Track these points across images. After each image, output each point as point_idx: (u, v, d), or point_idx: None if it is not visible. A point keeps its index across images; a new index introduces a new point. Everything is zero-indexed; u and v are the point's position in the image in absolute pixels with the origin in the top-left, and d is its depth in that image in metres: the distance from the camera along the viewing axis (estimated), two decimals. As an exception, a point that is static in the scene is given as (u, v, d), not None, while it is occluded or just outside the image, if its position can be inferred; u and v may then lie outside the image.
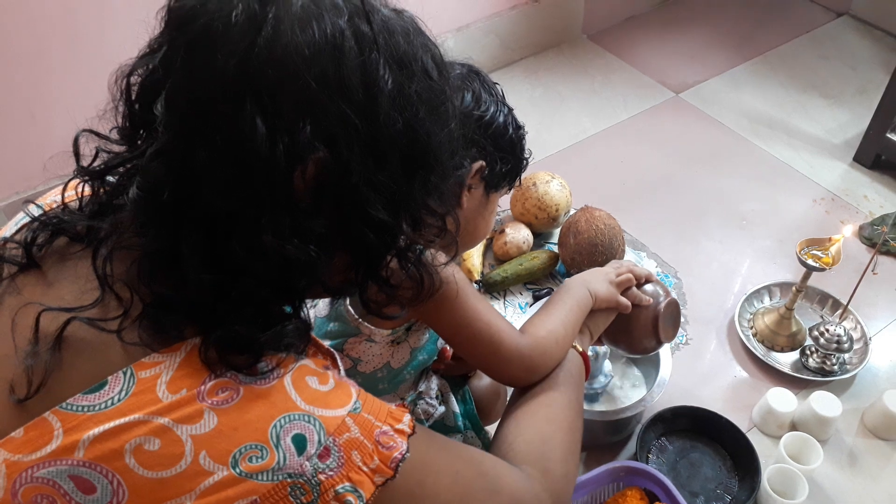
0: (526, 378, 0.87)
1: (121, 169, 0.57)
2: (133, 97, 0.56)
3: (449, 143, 0.60)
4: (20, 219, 0.64)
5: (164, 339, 0.53)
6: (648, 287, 1.02)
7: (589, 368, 0.94)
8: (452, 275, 0.78)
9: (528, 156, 0.94)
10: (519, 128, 0.91)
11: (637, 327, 1.00)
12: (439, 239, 0.64)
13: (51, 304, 0.54)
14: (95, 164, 0.59)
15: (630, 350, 1.05)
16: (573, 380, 0.89)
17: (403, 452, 0.58)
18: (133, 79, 0.55)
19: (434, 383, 1.01)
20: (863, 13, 2.27)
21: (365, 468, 0.56)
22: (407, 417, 0.61)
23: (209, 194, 0.51)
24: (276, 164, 0.50)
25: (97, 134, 0.59)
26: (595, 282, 0.98)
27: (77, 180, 0.60)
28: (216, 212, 0.52)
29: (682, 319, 1.49)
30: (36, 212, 0.61)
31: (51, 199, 0.65)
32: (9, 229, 0.64)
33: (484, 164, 0.85)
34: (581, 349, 0.93)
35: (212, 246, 0.53)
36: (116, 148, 0.58)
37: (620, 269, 1.02)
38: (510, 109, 0.90)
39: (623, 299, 0.98)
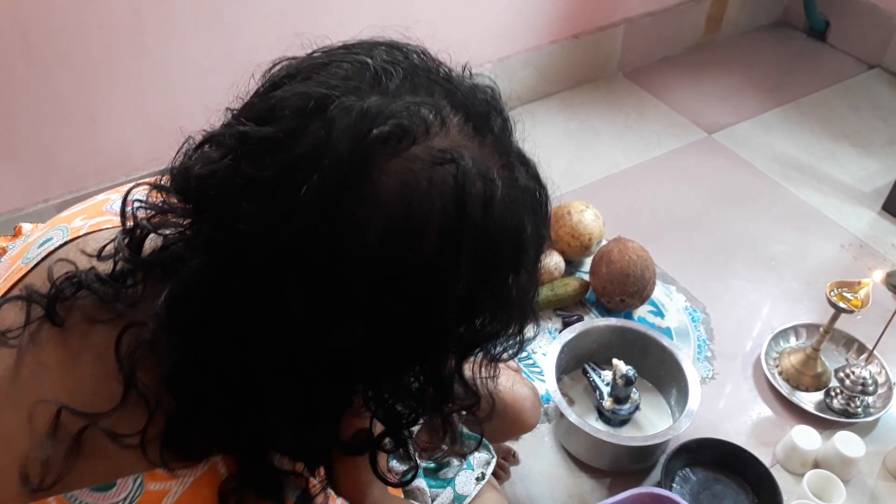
0: None
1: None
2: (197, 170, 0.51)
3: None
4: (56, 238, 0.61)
5: (186, 457, 0.52)
6: None
7: None
8: None
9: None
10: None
11: None
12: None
13: (72, 388, 0.52)
14: (138, 216, 0.55)
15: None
16: None
17: None
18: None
19: None
20: (895, 67, 2.31)
21: None
22: None
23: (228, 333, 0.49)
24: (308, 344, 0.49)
25: (152, 185, 0.55)
26: None
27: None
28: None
29: (710, 354, 1.52)
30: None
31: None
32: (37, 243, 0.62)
33: None
34: None
35: (237, 373, 0.50)
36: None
37: None
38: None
39: None
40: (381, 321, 0.49)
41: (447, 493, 1.00)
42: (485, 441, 1.09)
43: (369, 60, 0.52)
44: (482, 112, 0.53)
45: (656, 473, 1.30)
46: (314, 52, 0.56)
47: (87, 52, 1.46)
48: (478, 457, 1.06)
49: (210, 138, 0.52)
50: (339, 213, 0.46)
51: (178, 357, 0.50)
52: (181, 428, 0.50)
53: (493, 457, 1.07)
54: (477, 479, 1.03)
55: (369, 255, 0.47)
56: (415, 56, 0.55)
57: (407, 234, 0.47)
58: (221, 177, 0.49)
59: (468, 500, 1.00)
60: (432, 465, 1.02)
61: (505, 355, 0.60)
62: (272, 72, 0.54)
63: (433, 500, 0.98)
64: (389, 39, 0.57)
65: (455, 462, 1.04)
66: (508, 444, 1.31)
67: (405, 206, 0.47)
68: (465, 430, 1.06)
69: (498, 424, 1.11)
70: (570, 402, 1.38)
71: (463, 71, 0.58)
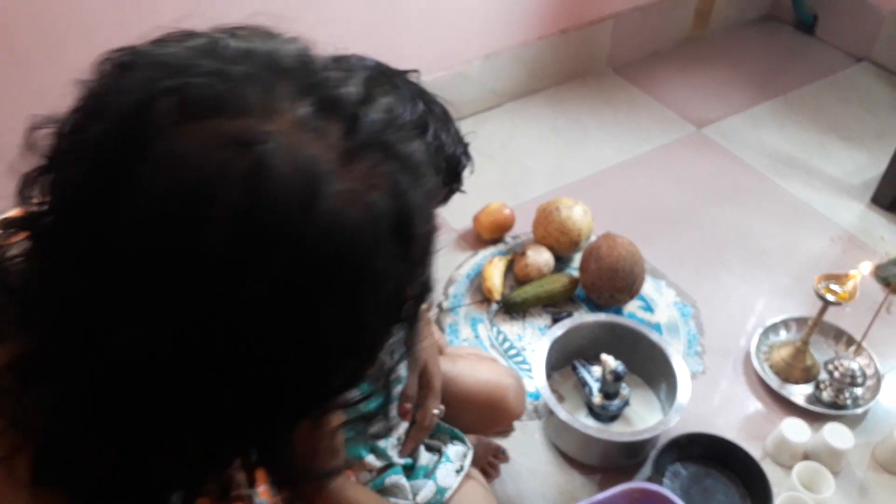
0: None
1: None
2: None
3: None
4: None
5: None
6: None
7: None
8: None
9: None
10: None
11: None
12: None
13: None
14: None
15: None
16: None
17: None
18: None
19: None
20: (882, 60, 2.31)
21: None
22: None
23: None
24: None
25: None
26: None
27: None
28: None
29: (700, 349, 1.52)
30: None
31: None
32: None
33: None
34: None
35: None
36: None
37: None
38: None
39: None
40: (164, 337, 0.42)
41: (429, 487, 1.00)
42: (459, 433, 1.10)
43: (218, 36, 0.46)
44: (346, 105, 0.45)
45: (647, 469, 1.30)
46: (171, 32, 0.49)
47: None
48: (455, 449, 1.06)
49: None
50: (117, 167, 0.41)
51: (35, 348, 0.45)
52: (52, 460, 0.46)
53: (469, 448, 1.08)
54: (457, 471, 1.03)
55: (143, 227, 0.40)
56: (283, 43, 0.47)
57: (183, 214, 0.40)
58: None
59: (450, 492, 1.01)
60: (410, 462, 1.02)
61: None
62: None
63: (415, 496, 0.98)
64: (267, 29, 0.49)
65: (433, 457, 1.04)
66: (497, 441, 1.31)
67: (184, 177, 0.40)
68: (443, 424, 1.07)
69: (482, 414, 1.12)
70: (560, 398, 1.38)
71: (405, 73, 0.52)
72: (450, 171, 0.94)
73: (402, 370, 0.97)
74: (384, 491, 0.98)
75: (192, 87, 0.42)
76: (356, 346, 0.47)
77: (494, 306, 1.58)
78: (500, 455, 1.29)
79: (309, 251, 0.41)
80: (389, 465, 0.99)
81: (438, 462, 1.03)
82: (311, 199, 0.41)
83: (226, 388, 0.43)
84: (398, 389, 0.99)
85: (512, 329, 1.55)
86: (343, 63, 0.48)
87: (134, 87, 0.42)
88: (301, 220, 0.41)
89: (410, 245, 0.46)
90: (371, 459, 0.97)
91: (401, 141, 0.46)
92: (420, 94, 0.90)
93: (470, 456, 1.06)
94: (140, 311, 0.41)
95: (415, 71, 0.93)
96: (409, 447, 1.01)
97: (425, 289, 0.51)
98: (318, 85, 0.45)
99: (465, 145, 0.96)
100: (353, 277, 0.43)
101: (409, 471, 1.02)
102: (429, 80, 2.22)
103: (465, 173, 0.98)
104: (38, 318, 0.45)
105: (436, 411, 1.02)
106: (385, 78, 0.87)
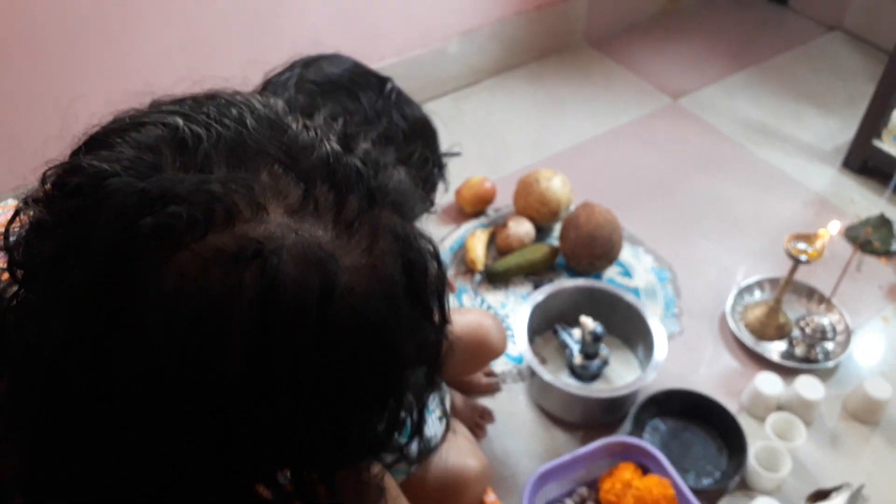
0: None
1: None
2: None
3: None
4: None
5: None
6: None
7: None
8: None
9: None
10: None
11: None
12: None
13: None
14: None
15: None
16: None
17: None
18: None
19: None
20: (853, 28, 2.36)
21: None
22: None
23: None
24: None
25: None
26: None
27: None
28: None
29: (678, 311, 1.57)
30: None
31: None
32: None
33: None
34: None
35: None
36: None
37: None
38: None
39: None
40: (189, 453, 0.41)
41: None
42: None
43: (181, 122, 0.43)
44: (341, 184, 0.43)
45: (628, 426, 1.34)
46: (130, 112, 0.46)
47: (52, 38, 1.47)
48: (432, 398, 1.11)
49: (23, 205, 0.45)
50: (109, 313, 0.39)
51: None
52: None
53: (445, 393, 1.13)
54: (439, 418, 1.08)
55: (158, 365, 0.39)
56: (251, 116, 0.44)
57: (196, 345, 0.38)
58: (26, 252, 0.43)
59: (436, 440, 1.05)
60: None
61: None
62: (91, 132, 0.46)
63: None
64: (233, 93, 0.47)
65: None
66: (483, 403, 1.36)
67: (188, 311, 0.38)
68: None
69: (467, 355, 1.18)
70: (543, 361, 1.43)
71: (344, 121, 0.48)
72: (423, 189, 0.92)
73: None
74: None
75: (174, 214, 0.39)
76: (386, 401, 0.47)
77: (478, 276, 1.62)
78: (487, 416, 1.34)
79: (335, 343, 0.41)
80: None
81: None
82: (327, 290, 0.40)
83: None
84: None
85: (496, 298, 1.59)
86: (315, 102, 0.48)
87: (108, 222, 0.39)
88: (321, 315, 0.40)
89: (424, 293, 0.47)
90: None
91: (386, 182, 0.46)
92: (400, 106, 0.88)
93: (448, 400, 1.11)
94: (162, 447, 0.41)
95: (388, 79, 0.93)
96: None
97: (443, 328, 0.50)
98: (296, 159, 0.43)
99: (443, 165, 0.95)
100: (380, 346, 0.43)
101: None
102: (407, 58, 2.25)
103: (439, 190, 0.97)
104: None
105: None
106: (355, 104, 0.85)
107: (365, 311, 0.42)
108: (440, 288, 0.49)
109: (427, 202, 0.96)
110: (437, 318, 0.49)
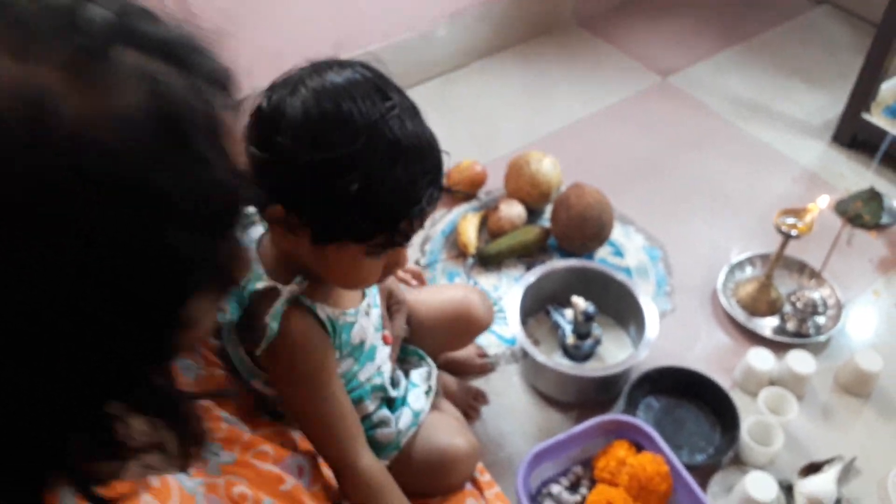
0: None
1: None
2: None
3: None
4: None
5: None
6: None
7: None
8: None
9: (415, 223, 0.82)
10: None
11: None
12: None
13: None
14: None
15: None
16: None
17: None
18: None
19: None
20: (841, 1, 2.35)
21: None
22: None
23: None
24: None
25: None
26: None
27: None
28: None
29: (669, 290, 1.57)
30: None
31: None
32: None
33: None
34: None
35: None
36: None
37: None
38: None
39: None
40: None
41: (406, 414, 1.05)
42: (422, 353, 1.16)
43: None
44: (75, 27, 0.40)
45: (622, 404, 1.35)
46: None
47: None
48: (418, 373, 1.12)
49: None
50: None
51: None
52: None
53: (432, 367, 1.14)
54: (426, 392, 1.09)
55: None
56: None
57: None
58: None
59: (423, 414, 1.06)
60: (392, 392, 1.07)
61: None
62: None
63: (398, 424, 1.05)
64: None
65: (401, 382, 1.10)
66: (477, 385, 1.37)
67: None
68: (409, 347, 1.14)
69: (453, 328, 1.20)
70: (536, 342, 1.43)
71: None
72: (389, 216, 0.79)
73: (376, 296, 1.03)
74: (375, 425, 1.03)
75: None
76: (168, 271, 0.43)
77: (470, 260, 1.63)
78: (480, 398, 1.35)
79: (60, 187, 0.38)
80: (379, 404, 1.05)
81: (407, 389, 1.09)
82: (41, 131, 0.37)
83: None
84: (377, 312, 1.03)
85: (488, 281, 1.59)
86: None
87: None
88: (33, 159, 0.37)
89: (190, 144, 0.42)
90: (367, 403, 1.03)
91: (142, 25, 0.42)
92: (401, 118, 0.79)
93: (434, 374, 1.12)
94: None
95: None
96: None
97: (233, 190, 0.45)
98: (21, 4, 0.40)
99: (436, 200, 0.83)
100: (132, 200, 0.40)
101: (392, 404, 1.07)
102: (395, 42, 2.24)
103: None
104: None
105: (404, 326, 1.11)
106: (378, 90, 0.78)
107: (94, 161, 0.38)
108: (217, 140, 0.44)
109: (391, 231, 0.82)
110: (218, 171, 0.44)
